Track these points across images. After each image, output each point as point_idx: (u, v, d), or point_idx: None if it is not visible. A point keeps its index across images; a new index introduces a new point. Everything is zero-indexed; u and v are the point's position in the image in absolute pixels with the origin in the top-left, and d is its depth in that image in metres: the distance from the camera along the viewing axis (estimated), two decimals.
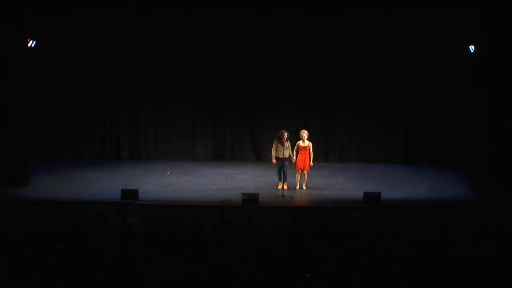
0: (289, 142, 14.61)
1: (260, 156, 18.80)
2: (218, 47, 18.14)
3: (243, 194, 13.28)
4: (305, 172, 14.73)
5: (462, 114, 17.02)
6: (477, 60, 14.65)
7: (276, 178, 14.91)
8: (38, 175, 15.27)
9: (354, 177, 16.34)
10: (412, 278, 7.65)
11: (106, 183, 15.08)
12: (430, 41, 17.26)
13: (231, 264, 7.71)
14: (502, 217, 10.60)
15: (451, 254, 8.09)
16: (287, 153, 14.50)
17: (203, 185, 15.35)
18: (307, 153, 14.63)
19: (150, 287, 7.48)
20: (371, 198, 13.27)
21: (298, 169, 14.74)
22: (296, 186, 14.83)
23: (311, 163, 14.68)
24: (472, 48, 14.79)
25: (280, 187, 14.54)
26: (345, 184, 15.57)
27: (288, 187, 14.57)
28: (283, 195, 13.83)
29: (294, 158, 14.66)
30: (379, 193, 13.36)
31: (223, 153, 19.02)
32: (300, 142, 14.65)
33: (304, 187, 14.82)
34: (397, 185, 15.32)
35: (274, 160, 14.67)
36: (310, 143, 14.73)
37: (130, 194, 13.19)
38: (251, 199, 13.12)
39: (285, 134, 14.58)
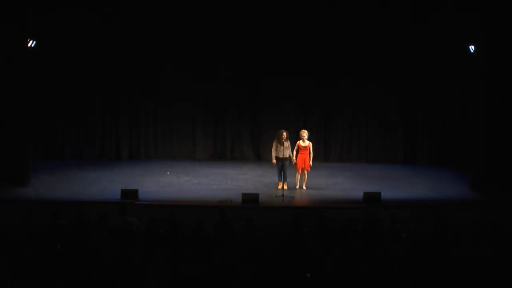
0: (289, 141, 14.61)
1: (260, 156, 18.80)
2: (218, 47, 18.15)
3: (243, 194, 13.28)
4: (305, 172, 14.73)
5: (462, 114, 17.02)
6: (477, 60, 14.65)
7: (276, 178, 14.91)
8: (38, 175, 15.27)
9: (354, 177, 16.34)
10: (412, 278, 7.66)
11: (106, 183, 15.08)
12: (430, 41, 17.27)
13: (231, 264, 7.71)
14: (502, 217, 10.59)
15: (451, 254, 8.09)
16: (287, 153, 14.49)
17: (203, 185, 15.34)
18: (307, 153, 14.63)
19: (150, 287, 7.48)
20: (371, 198, 13.27)
21: (298, 169, 14.74)
22: (296, 186, 14.83)
23: (311, 163, 14.68)
24: (472, 48, 14.78)
25: (280, 187, 14.54)
26: (345, 184, 15.57)
27: (288, 187, 14.57)
28: (283, 195, 13.83)
29: (294, 158, 14.65)
30: (379, 193, 13.37)
31: (223, 153, 19.02)
32: (301, 142, 14.65)
33: (304, 187, 14.82)
34: (397, 185, 15.32)
35: (274, 160, 14.67)
36: (310, 143, 14.73)
37: (130, 194, 13.19)
38: (251, 199, 13.12)
39: (284, 133, 14.58)
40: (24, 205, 11.79)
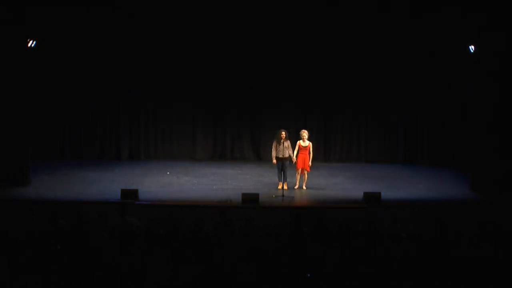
0: (288, 141, 14.60)
1: (260, 156, 18.80)
2: (218, 47, 18.16)
3: (243, 194, 13.28)
4: (305, 172, 14.73)
5: (462, 114, 17.04)
6: (477, 60, 14.65)
7: (276, 178, 14.91)
8: (38, 175, 15.27)
9: (354, 177, 16.34)
10: (412, 278, 7.65)
11: (106, 183, 15.08)
12: (430, 41, 17.27)
13: (231, 264, 7.71)
14: (502, 217, 10.59)
15: (451, 254, 8.09)
16: (287, 152, 14.50)
17: (203, 185, 15.35)
18: (307, 153, 14.63)
19: (150, 287, 7.48)
20: (371, 198, 13.28)
21: (298, 168, 14.74)
22: (295, 185, 14.82)
23: (310, 163, 14.68)
24: (472, 48, 14.78)
25: (280, 187, 14.54)
26: (345, 184, 15.57)
27: (288, 187, 14.57)
28: (283, 195, 13.83)
29: (295, 158, 14.65)
30: (379, 193, 13.37)
31: (223, 153, 19.02)
32: (301, 142, 14.65)
33: (304, 187, 14.82)
34: (397, 185, 15.33)
35: (274, 160, 14.67)
36: (310, 143, 14.73)
37: (130, 194, 13.19)
38: (251, 199, 13.12)
39: (283, 133, 14.58)
40: (24, 205, 11.76)
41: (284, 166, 14.55)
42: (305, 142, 14.65)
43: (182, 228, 8.99)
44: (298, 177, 14.85)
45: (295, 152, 14.65)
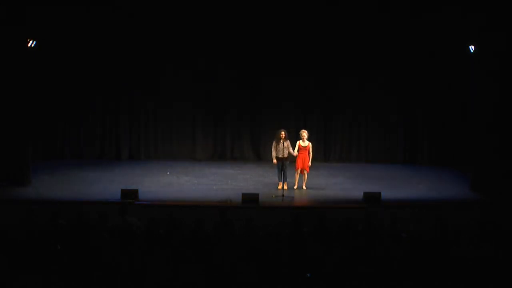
0: (288, 141, 14.59)
1: (260, 156, 18.80)
2: (218, 47, 18.16)
3: (243, 194, 13.28)
4: (305, 172, 14.73)
5: (462, 114, 17.04)
6: (477, 60, 14.65)
7: (276, 178, 14.91)
8: (38, 175, 15.27)
9: (354, 177, 16.34)
10: (412, 278, 7.66)
11: (106, 183, 15.08)
12: (430, 41, 17.28)
13: (231, 264, 7.71)
14: (502, 217, 10.60)
15: (451, 254, 8.09)
16: (286, 152, 14.49)
17: (203, 185, 15.35)
18: (307, 153, 14.62)
19: (150, 287, 7.48)
20: (371, 198, 13.28)
21: (297, 169, 14.73)
22: (294, 185, 14.81)
23: (310, 163, 14.68)
24: (472, 48, 14.78)
25: (280, 187, 14.54)
26: (345, 184, 15.57)
27: (288, 187, 14.57)
28: (283, 195, 13.84)
29: (296, 153, 14.56)
30: (379, 193, 13.38)
31: (223, 153, 19.02)
32: (300, 142, 14.64)
33: (304, 187, 14.82)
34: (397, 185, 15.33)
35: (275, 160, 14.67)
36: (310, 144, 14.73)
37: (130, 194, 13.19)
38: (251, 199, 13.12)
39: (283, 133, 14.59)
40: (24, 205, 11.77)
41: (284, 166, 14.55)
42: (304, 142, 14.64)
43: (182, 228, 9.00)
44: (297, 177, 14.85)
45: (295, 150, 14.61)
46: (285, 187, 14.45)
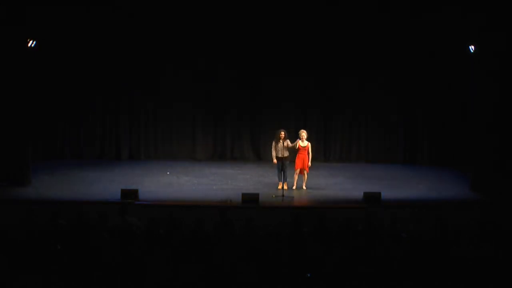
0: (287, 140, 14.58)
1: (260, 156, 18.80)
2: (218, 47, 18.16)
3: (243, 194, 13.28)
4: (305, 172, 14.72)
5: (462, 114, 17.04)
6: (477, 60, 14.65)
7: (276, 178, 14.91)
8: (38, 175, 15.27)
9: (354, 177, 16.34)
10: (412, 278, 7.65)
11: (106, 183, 15.07)
12: (430, 41, 17.28)
13: (231, 264, 7.71)
14: (502, 217, 10.59)
15: (451, 254, 8.09)
16: (286, 152, 14.49)
17: (203, 185, 15.34)
18: (306, 153, 14.62)
19: (150, 287, 7.48)
20: (371, 198, 13.27)
21: (296, 169, 14.73)
22: (293, 186, 14.80)
23: (309, 163, 14.68)
24: (472, 48, 14.78)
25: (280, 187, 14.54)
26: (345, 184, 15.57)
27: (288, 187, 14.57)
28: (283, 195, 13.84)
29: (294, 144, 14.52)
30: (379, 193, 13.37)
31: (223, 153, 19.02)
32: (300, 142, 14.64)
33: (304, 187, 14.82)
34: (397, 185, 15.32)
35: (275, 160, 14.67)
36: (309, 144, 14.73)
37: (130, 194, 13.19)
38: (251, 199, 13.12)
39: (282, 133, 14.60)
40: (24, 205, 11.77)
41: (284, 166, 14.55)
42: (303, 142, 14.64)
43: (182, 228, 9.00)
44: (296, 177, 14.83)
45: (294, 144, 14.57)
46: (285, 187, 14.45)
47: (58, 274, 7.59)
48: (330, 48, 18.10)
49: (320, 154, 18.50)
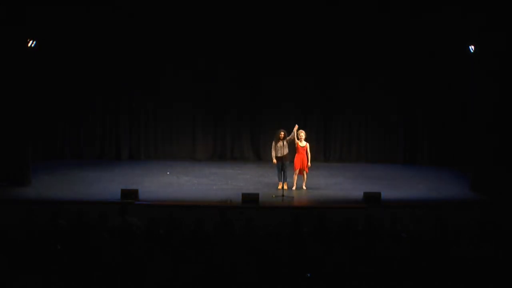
0: (287, 138, 14.59)
1: (260, 156, 18.80)
2: (218, 47, 18.17)
3: (243, 194, 13.28)
4: (304, 172, 14.73)
5: (462, 114, 17.04)
6: (477, 60, 14.65)
7: (276, 178, 14.92)
8: (38, 175, 15.26)
9: (354, 177, 16.34)
10: (412, 278, 7.65)
11: (106, 183, 15.07)
12: (430, 41, 17.29)
13: (231, 264, 7.71)
14: (502, 217, 10.59)
15: (451, 254, 8.09)
16: (286, 150, 14.49)
17: (203, 185, 15.34)
18: (305, 153, 14.64)
19: (150, 287, 7.48)
20: (371, 198, 13.27)
21: (295, 169, 14.74)
22: (293, 186, 14.80)
23: (309, 163, 14.68)
24: (472, 48, 14.78)
25: (280, 187, 14.54)
26: (345, 184, 15.56)
27: (288, 187, 14.58)
28: (283, 195, 13.83)
29: (293, 135, 14.53)
30: (379, 193, 13.37)
31: (223, 153, 19.02)
32: (298, 142, 14.65)
33: (304, 187, 14.82)
34: (397, 185, 15.32)
35: (274, 160, 14.68)
36: (308, 144, 14.74)
37: (130, 194, 13.19)
38: (251, 199, 13.11)
39: (282, 133, 14.61)
40: (24, 205, 11.78)
41: (284, 166, 14.55)
42: (302, 142, 14.65)
43: (182, 228, 9.00)
44: (295, 177, 14.84)
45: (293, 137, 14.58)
46: (285, 187, 14.46)
47: (58, 274, 7.59)
48: (330, 48, 18.10)
49: (320, 154, 18.51)
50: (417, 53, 17.74)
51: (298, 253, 8.07)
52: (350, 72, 18.33)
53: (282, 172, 14.57)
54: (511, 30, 14.16)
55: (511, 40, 14.21)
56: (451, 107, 17.76)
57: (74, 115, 18.49)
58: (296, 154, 14.65)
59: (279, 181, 14.69)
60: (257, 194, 13.30)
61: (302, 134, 14.68)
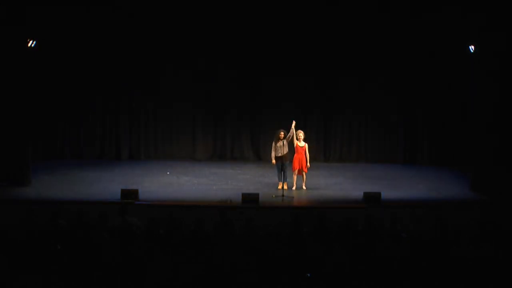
0: (286, 141, 14.60)
1: (260, 156, 18.80)
2: (218, 47, 18.17)
3: (243, 194, 13.28)
4: (303, 172, 14.73)
5: (462, 114, 17.04)
6: (477, 60, 14.65)
7: (276, 178, 14.92)
8: (38, 175, 15.27)
9: (354, 177, 16.34)
10: (412, 278, 7.65)
11: (106, 183, 15.07)
12: (430, 41, 17.29)
13: (231, 264, 7.71)
14: (502, 217, 10.59)
15: (451, 254, 8.09)
16: (286, 148, 14.49)
17: (203, 185, 15.35)
18: (304, 153, 14.65)
19: (150, 287, 7.48)
20: (371, 198, 13.27)
21: (294, 169, 14.74)
22: (293, 186, 14.80)
23: (308, 164, 14.69)
24: (472, 48, 14.78)
25: (280, 187, 14.54)
26: (345, 184, 15.56)
27: (288, 187, 14.58)
28: (283, 195, 13.84)
29: (291, 132, 14.53)
30: (379, 193, 13.37)
31: (223, 153, 19.02)
32: (297, 142, 14.65)
33: (303, 187, 14.82)
34: (397, 185, 15.32)
35: (274, 161, 14.68)
36: (306, 144, 14.74)
37: (130, 194, 13.19)
38: (251, 199, 13.11)
39: (282, 133, 14.63)
40: (24, 205, 11.78)
41: (284, 166, 14.56)
42: (301, 142, 14.66)
43: (182, 228, 8.99)
44: (295, 177, 14.84)
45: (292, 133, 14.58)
46: (285, 187, 14.46)
47: (58, 274, 7.59)
48: (330, 48, 18.10)
49: (320, 154, 18.51)
50: (417, 53, 17.74)
51: (298, 253, 8.07)
52: (350, 72, 18.33)
53: (282, 172, 14.57)
54: (511, 30, 14.15)
55: (511, 40, 14.20)
56: (451, 107, 17.76)
57: (74, 115, 18.49)
58: (295, 155, 14.67)
59: (279, 181, 14.70)
60: (257, 194, 13.30)
61: (301, 134, 14.70)
